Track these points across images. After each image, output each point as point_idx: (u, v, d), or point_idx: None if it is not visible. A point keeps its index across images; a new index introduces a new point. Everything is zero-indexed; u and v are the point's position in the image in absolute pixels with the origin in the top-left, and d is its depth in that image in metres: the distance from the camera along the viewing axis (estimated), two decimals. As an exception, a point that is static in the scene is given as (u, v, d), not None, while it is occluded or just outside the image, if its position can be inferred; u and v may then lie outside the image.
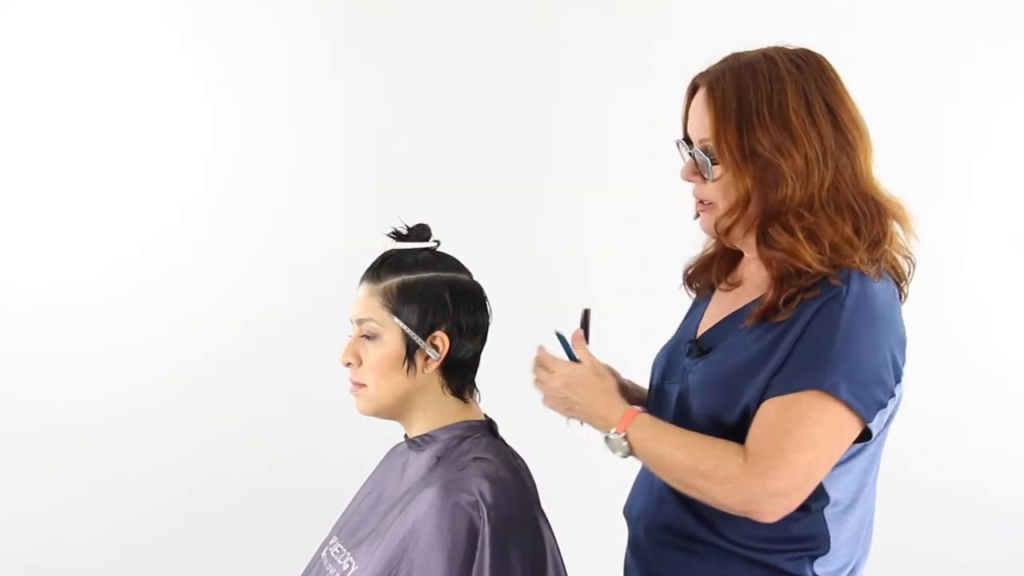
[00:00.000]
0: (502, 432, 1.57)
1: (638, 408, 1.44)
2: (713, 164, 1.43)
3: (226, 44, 3.18)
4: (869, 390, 1.33)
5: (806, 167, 1.39)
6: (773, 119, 1.39)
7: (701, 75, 1.47)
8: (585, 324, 1.58)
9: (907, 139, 3.06)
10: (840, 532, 1.44)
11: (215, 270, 3.18)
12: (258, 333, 3.18)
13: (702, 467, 1.34)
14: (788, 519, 1.37)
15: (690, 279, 1.65)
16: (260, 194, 3.19)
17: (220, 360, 3.17)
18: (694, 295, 1.67)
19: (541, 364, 1.51)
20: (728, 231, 1.45)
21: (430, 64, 3.17)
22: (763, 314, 1.41)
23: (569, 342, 1.52)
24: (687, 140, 1.49)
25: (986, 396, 3.10)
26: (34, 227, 3.16)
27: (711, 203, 1.46)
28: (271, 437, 3.17)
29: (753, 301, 1.46)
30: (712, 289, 1.61)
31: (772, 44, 1.48)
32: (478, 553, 1.36)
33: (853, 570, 1.49)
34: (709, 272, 1.61)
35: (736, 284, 1.54)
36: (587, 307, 1.59)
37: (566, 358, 1.51)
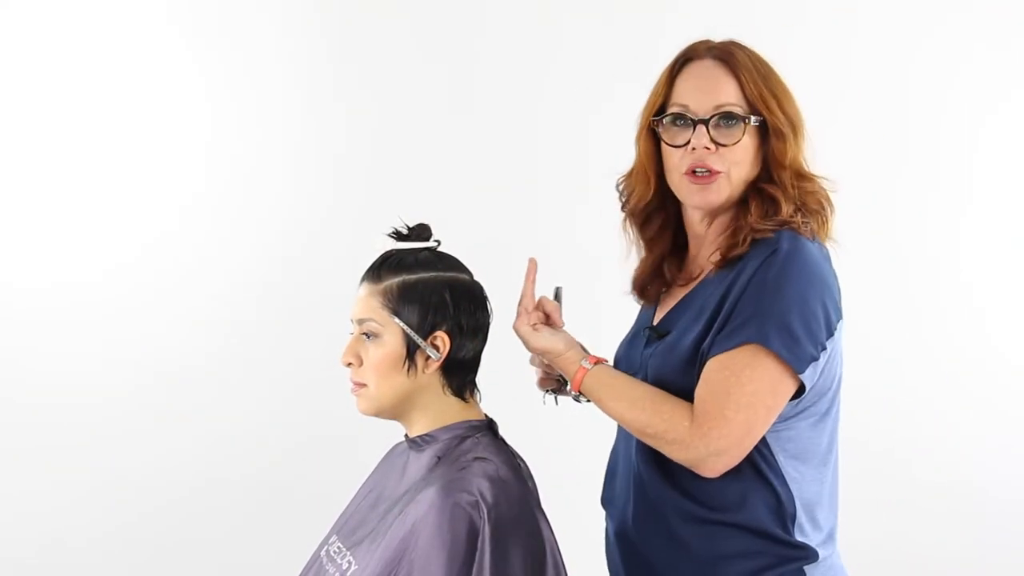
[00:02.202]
0: (502, 432, 1.57)
1: (586, 366, 1.53)
2: (756, 121, 1.48)
3: (226, 44, 3.18)
4: (800, 342, 1.40)
5: (798, 131, 1.51)
6: (778, 83, 1.51)
7: (692, 51, 1.53)
8: (557, 303, 1.64)
9: (906, 139, 3.07)
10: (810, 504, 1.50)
11: (215, 270, 3.17)
12: (258, 333, 3.18)
13: (650, 430, 1.44)
14: (758, 486, 1.46)
15: (641, 289, 1.68)
16: (260, 194, 3.19)
17: (220, 360, 3.17)
18: (643, 302, 1.70)
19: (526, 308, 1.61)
20: (728, 201, 1.52)
21: (430, 64, 3.17)
22: (722, 261, 1.49)
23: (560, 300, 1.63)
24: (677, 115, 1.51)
25: (986, 396, 3.10)
26: (34, 227, 3.16)
27: (715, 173, 1.49)
28: (270, 437, 3.17)
29: (705, 280, 1.53)
30: (661, 292, 1.65)
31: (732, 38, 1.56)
32: (478, 553, 1.36)
33: (830, 536, 1.54)
34: (661, 276, 1.64)
35: (692, 278, 1.58)
36: (559, 285, 1.65)
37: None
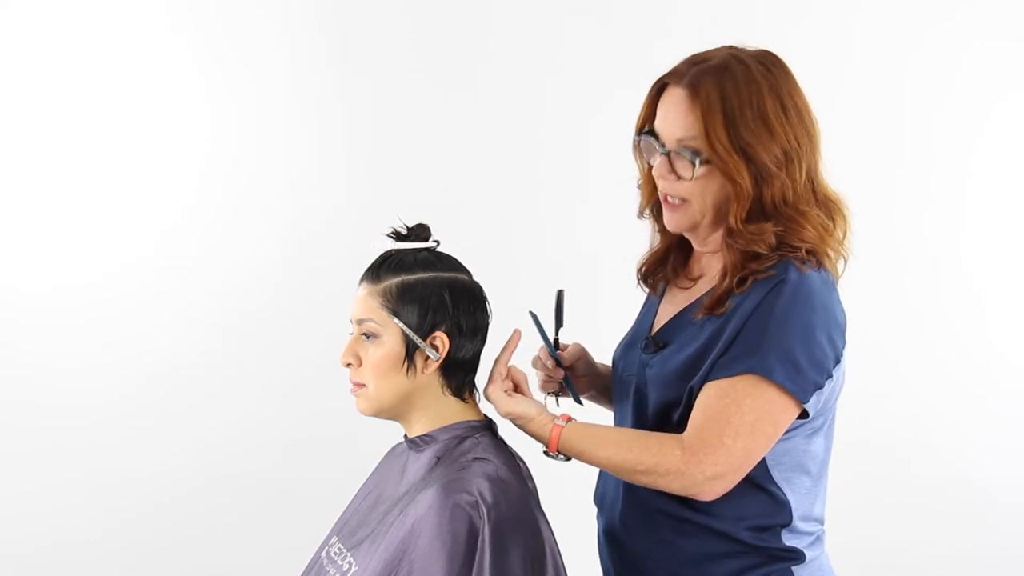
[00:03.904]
0: (502, 432, 1.57)
1: (560, 424, 1.48)
2: (702, 163, 1.45)
3: (225, 43, 3.18)
4: (804, 373, 1.40)
5: (786, 163, 1.44)
6: (755, 120, 1.44)
7: (672, 75, 1.50)
8: (559, 306, 1.64)
9: (904, 139, 3.07)
10: (802, 505, 1.51)
11: (215, 271, 3.18)
12: (258, 333, 3.18)
13: (641, 467, 1.42)
14: (752, 497, 1.46)
15: (645, 276, 1.69)
16: (260, 195, 3.19)
17: (220, 360, 3.17)
18: (648, 291, 1.71)
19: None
20: (695, 228, 1.51)
21: (431, 64, 3.17)
22: (711, 306, 1.47)
23: (543, 325, 1.61)
24: (654, 137, 1.50)
25: (987, 395, 3.10)
26: (34, 230, 3.16)
27: (684, 201, 1.50)
28: (271, 437, 3.17)
29: (705, 294, 1.51)
30: (665, 284, 1.65)
31: (728, 44, 1.51)
32: (478, 554, 1.36)
33: (818, 538, 1.55)
34: (664, 268, 1.65)
35: (693, 279, 1.59)
36: (560, 288, 1.65)
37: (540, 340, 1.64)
